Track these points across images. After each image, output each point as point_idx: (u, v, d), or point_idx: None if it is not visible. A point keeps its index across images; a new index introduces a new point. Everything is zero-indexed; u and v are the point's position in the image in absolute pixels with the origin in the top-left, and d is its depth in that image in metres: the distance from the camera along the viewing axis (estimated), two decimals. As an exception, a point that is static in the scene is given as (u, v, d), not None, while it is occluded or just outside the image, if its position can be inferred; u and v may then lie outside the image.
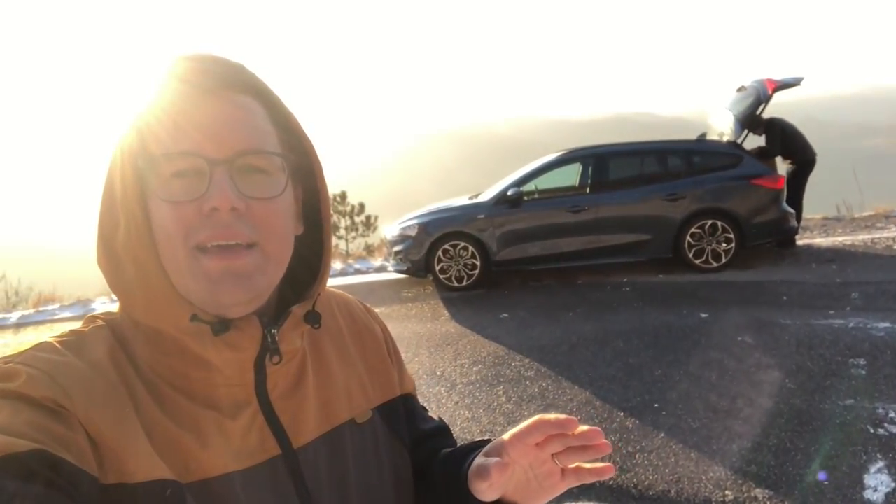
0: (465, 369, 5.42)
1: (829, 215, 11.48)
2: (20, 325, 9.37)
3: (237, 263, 0.65)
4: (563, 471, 0.73)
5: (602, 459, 0.72)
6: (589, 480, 0.72)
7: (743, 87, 8.98)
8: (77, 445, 0.57)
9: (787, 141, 8.89)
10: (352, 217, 23.34)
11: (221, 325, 0.66)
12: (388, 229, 9.32)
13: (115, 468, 0.59)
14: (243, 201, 0.65)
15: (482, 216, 8.38)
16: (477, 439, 0.85)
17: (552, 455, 0.71)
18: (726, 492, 3.25)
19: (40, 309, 10.27)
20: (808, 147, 9.05)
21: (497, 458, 0.70)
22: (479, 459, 0.75)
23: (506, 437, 0.73)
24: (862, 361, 4.70)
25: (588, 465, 0.72)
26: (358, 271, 11.28)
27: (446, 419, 4.42)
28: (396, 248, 8.75)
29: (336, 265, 11.91)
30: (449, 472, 0.82)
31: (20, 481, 0.51)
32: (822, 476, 3.35)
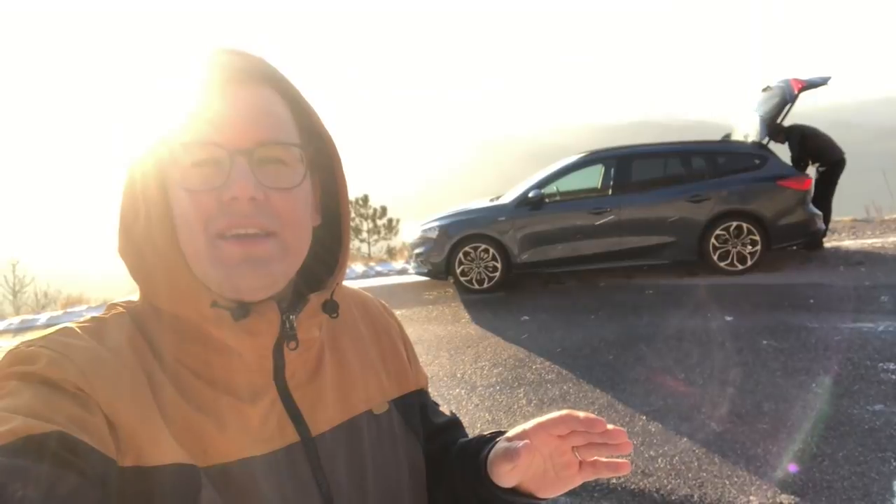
0: (485, 372, 5.40)
1: (858, 217, 11.26)
2: (49, 325, 9.53)
3: (256, 250, 0.66)
4: (581, 463, 0.74)
5: (621, 457, 0.73)
6: (605, 475, 0.73)
7: (769, 87, 8.84)
8: (96, 428, 0.58)
9: (809, 144, 8.70)
10: (374, 220, 23.44)
11: (241, 311, 0.67)
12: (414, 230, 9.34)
13: (133, 451, 0.60)
14: (262, 191, 0.66)
15: (503, 218, 8.36)
16: (493, 430, 0.86)
17: (572, 447, 0.73)
18: (751, 497, 3.19)
19: (68, 310, 10.49)
20: (834, 148, 8.86)
21: (526, 441, 0.72)
22: (503, 444, 0.76)
23: (528, 425, 0.74)
24: (892, 366, 4.59)
25: (605, 460, 0.73)
26: (379, 274, 11.33)
27: (466, 421, 4.40)
28: (417, 251, 8.77)
29: (358, 267, 11.98)
30: (467, 458, 0.82)
31: (39, 463, 0.52)
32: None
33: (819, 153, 8.80)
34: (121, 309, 0.72)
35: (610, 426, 0.71)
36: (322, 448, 0.74)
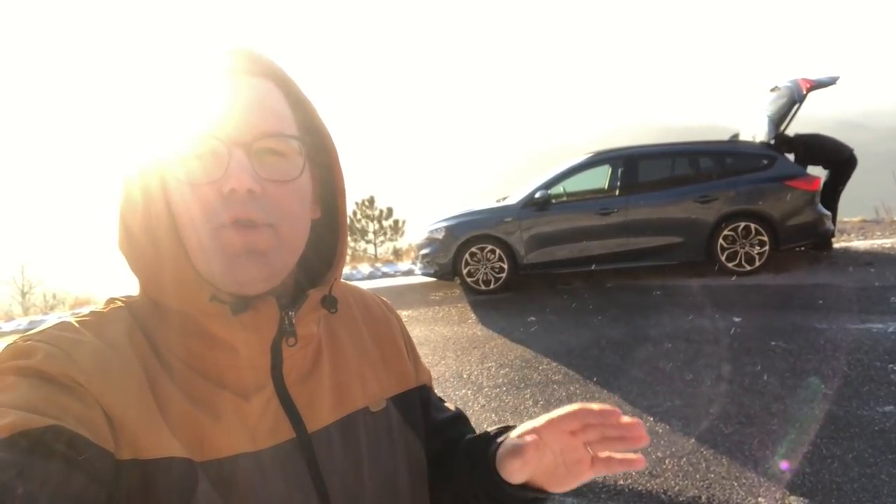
0: (492, 372, 5.39)
1: (867, 218, 11.18)
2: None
3: (254, 239, 0.66)
4: (593, 459, 0.73)
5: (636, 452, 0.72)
6: (619, 470, 0.71)
7: (777, 87, 8.78)
8: (93, 421, 0.58)
9: (814, 151, 8.59)
10: (380, 221, 23.45)
11: (240, 306, 0.67)
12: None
13: (131, 444, 0.60)
14: (260, 184, 0.66)
15: (510, 219, 8.34)
16: (501, 425, 0.85)
17: (584, 443, 0.71)
18: (759, 498, 3.16)
19: (76, 312, 10.55)
20: (840, 147, 8.74)
21: (534, 436, 0.71)
22: (512, 439, 0.75)
23: (540, 421, 0.73)
24: (902, 367, 4.56)
25: (619, 456, 0.71)
26: (386, 275, 11.34)
27: (473, 422, 4.39)
28: (424, 252, 8.76)
29: (364, 268, 11.99)
30: (475, 455, 0.82)
31: (37, 457, 0.52)
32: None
33: (826, 157, 8.71)
34: (119, 303, 0.72)
35: (626, 418, 0.69)
36: (318, 445, 0.73)
